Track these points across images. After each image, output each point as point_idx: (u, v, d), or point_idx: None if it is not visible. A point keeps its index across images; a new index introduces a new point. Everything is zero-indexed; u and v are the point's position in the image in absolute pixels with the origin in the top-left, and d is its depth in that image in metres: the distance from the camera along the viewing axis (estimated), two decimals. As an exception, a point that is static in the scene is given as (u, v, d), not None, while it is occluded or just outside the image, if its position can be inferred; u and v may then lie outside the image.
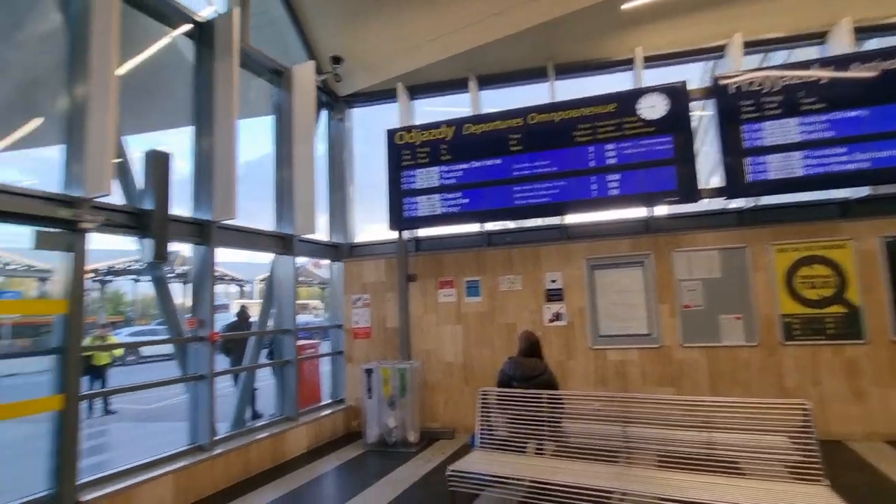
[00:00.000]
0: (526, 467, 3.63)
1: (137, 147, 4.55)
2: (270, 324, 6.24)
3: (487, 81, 6.94)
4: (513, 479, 3.56)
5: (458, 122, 6.10)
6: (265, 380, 7.30)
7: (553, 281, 6.07)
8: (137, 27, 4.81)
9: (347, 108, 7.63)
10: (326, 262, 7.39)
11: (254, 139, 5.22)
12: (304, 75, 6.24)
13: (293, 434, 5.71)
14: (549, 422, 3.82)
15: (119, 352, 9.37)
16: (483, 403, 4.01)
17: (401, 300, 6.31)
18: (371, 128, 7.73)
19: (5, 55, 4.49)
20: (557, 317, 5.99)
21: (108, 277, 26.59)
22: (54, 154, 4.01)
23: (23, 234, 3.48)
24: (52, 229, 3.64)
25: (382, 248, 7.21)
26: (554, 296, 6.04)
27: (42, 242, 3.58)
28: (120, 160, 4.37)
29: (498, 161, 5.82)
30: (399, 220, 6.29)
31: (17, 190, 3.46)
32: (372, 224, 7.72)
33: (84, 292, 3.83)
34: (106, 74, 3.83)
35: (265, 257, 4.97)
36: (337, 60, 6.56)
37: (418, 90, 7.22)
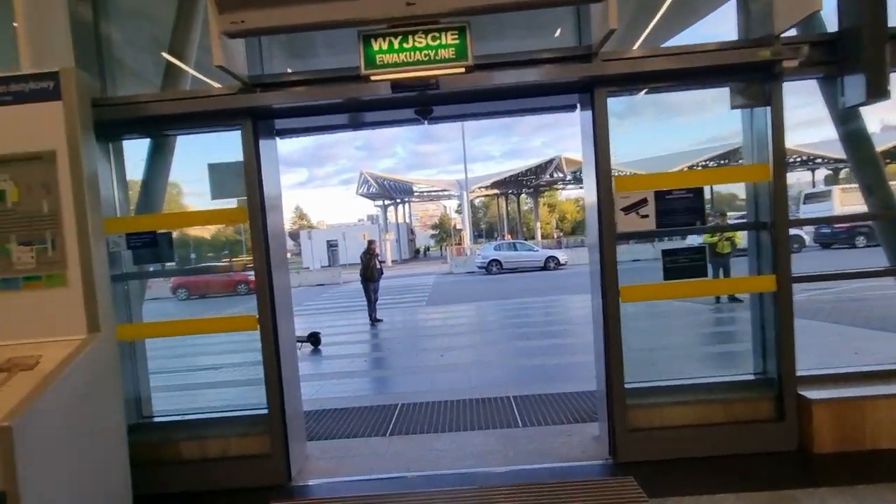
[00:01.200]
0: None
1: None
2: None
3: None
4: None
5: None
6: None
7: None
8: None
9: None
10: None
11: None
12: None
13: None
14: None
15: (739, 241, 9.05)
16: None
17: None
18: None
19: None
20: None
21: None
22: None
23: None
24: (743, 83, 3.09)
25: None
26: None
27: (737, 99, 3.10)
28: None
29: None
30: None
31: (711, 46, 3.06)
32: None
33: (786, 155, 3.12)
34: None
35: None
36: None
37: None
